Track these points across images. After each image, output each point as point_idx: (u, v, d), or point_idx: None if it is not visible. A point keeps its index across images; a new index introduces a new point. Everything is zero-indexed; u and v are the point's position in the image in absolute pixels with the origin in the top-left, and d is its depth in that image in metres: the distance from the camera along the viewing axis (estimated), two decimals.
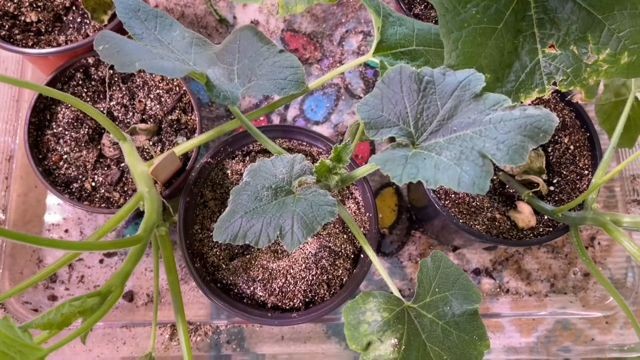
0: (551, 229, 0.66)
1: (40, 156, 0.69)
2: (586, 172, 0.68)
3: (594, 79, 0.54)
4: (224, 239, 0.50)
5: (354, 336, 0.50)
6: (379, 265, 0.54)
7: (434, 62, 0.61)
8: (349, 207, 0.67)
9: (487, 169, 0.44)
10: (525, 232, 0.66)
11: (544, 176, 0.67)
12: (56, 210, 0.82)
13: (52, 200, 0.82)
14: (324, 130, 0.88)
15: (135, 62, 0.48)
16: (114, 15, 0.71)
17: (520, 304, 0.81)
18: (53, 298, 0.79)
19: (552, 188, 0.68)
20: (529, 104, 0.63)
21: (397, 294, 0.53)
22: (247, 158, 0.69)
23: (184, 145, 0.61)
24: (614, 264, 0.84)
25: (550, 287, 0.82)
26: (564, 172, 0.68)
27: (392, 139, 0.50)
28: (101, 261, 0.80)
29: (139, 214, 0.83)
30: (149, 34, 0.59)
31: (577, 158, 0.68)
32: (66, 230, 0.81)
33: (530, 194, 0.65)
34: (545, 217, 0.66)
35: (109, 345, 0.75)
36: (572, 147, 0.68)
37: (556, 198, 0.68)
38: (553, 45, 0.55)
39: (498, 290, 0.82)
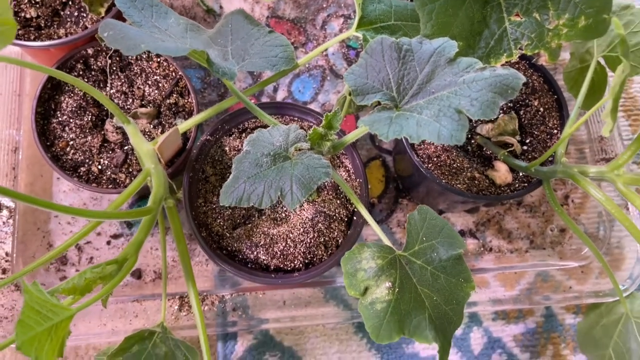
0: (526, 184, 0.72)
1: (48, 144, 0.73)
2: (555, 131, 0.74)
3: (556, 42, 0.60)
4: (230, 202, 0.56)
5: (352, 283, 0.56)
6: (371, 221, 0.60)
7: (411, 35, 0.66)
8: (340, 174, 0.73)
9: (463, 123, 0.50)
10: (502, 188, 0.71)
11: (517, 137, 0.73)
12: (62, 197, 0.86)
13: (58, 188, 0.86)
14: (313, 108, 0.93)
15: (140, 45, 0.53)
16: (109, 8, 0.75)
17: (503, 261, 0.88)
18: (64, 279, 0.83)
19: (525, 147, 0.74)
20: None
21: (388, 244, 0.58)
22: (244, 135, 0.74)
23: (185, 123, 0.66)
24: (587, 220, 0.91)
25: (530, 243, 0.89)
26: (535, 133, 0.74)
27: (377, 103, 0.55)
28: (108, 242, 0.85)
29: (141, 197, 0.88)
30: (147, 21, 0.63)
31: (547, 119, 0.74)
32: (72, 217, 0.86)
33: (506, 153, 0.71)
34: (520, 174, 0.72)
35: (122, 320, 0.80)
36: (541, 109, 0.75)
37: (529, 156, 0.74)
38: (518, 13, 0.61)
39: (482, 249, 0.88)
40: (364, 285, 0.55)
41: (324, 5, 0.99)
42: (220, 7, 0.97)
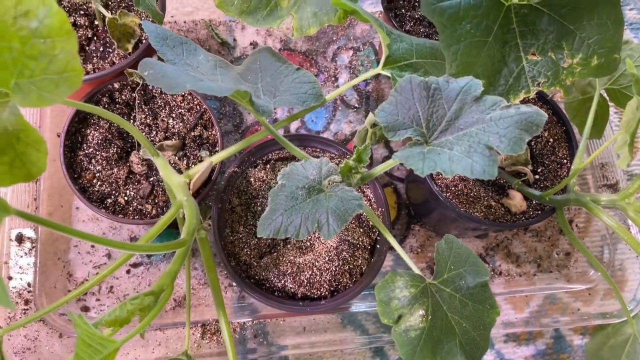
0: (539, 211, 0.75)
1: (75, 176, 0.75)
2: (565, 161, 0.78)
3: (570, 80, 0.64)
4: (268, 234, 0.58)
5: (385, 311, 0.58)
6: (400, 251, 0.62)
7: (432, 72, 0.70)
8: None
9: (494, 158, 0.53)
10: (517, 216, 0.75)
11: (530, 166, 0.77)
12: (82, 227, 0.87)
13: (77, 218, 0.87)
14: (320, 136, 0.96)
15: (185, 84, 0.55)
16: (136, 44, 0.78)
17: (513, 284, 0.91)
18: (85, 309, 0.84)
19: (537, 176, 0.78)
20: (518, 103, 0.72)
21: (418, 272, 0.61)
22: (267, 166, 0.77)
23: (217, 156, 0.68)
24: (590, 243, 0.95)
25: (537, 267, 0.92)
26: (546, 162, 0.78)
27: (407, 139, 0.58)
28: (128, 271, 0.86)
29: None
30: (180, 59, 0.66)
31: (557, 149, 0.78)
32: (92, 246, 0.87)
33: (520, 182, 0.75)
34: (534, 202, 0.76)
35: (144, 349, 0.81)
36: (551, 140, 0.78)
37: (541, 185, 0.77)
38: (534, 53, 0.64)
39: (492, 273, 0.91)
40: (398, 313, 0.58)
41: (334, 38, 1.03)
42: (234, 39, 1.00)
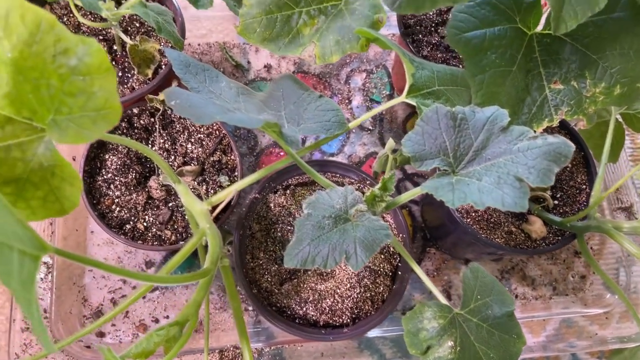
0: (559, 237, 0.75)
1: (94, 202, 0.74)
2: (584, 186, 0.78)
3: (593, 108, 0.65)
4: (295, 264, 0.57)
5: (413, 342, 0.58)
6: (427, 280, 0.62)
7: (453, 98, 0.70)
8: None
9: (525, 190, 0.53)
10: (538, 242, 0.75)
11: (549, 192, 0.77)
12: (96, 250, 0.87)
13: (92, 241, 0.87)
14: (339, 160, 0.96)
15: (214, 115, 0.55)
16: (156, 70, 0.78)
17: (529, 308, 0.91)
18: (101, 334, 0.83)
19: (556, 202, 0.78)
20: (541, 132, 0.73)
21: (445, 302, 0.61)
22: (287, 191, 0.76)
23: (242, 182, 0.67)
24: (605, 266, 0.95)
25: (553, 290, 0.92)
26: (565, 188, 0.78)
27: (434, 169, 0.58)
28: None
29: (173, 252, 0.89)
30: (203, 87, 0.66)
31: (575, 175, 0.79)
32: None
33: (540, 208, 0.75)
34: (554, 227, 0.76)
35: None
36: (570, 165, 0.79)
37: (560, 210, 0.77)
38: (557, 81, 0.65)
39: None
40: (427, 344, 0.57)
41: (347, 61, 1.03)
42: (248, 62, 1.00)
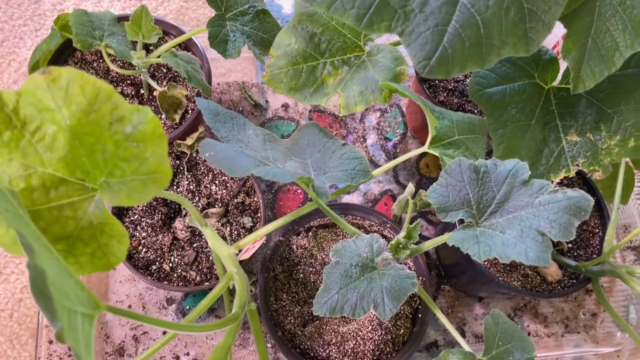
0: (574, 280, 0.77)
1: None
2: (597, 230, 0.81)
3: (608, 160, 0.67)
4: (324, 312, 0.59)
5: None
6: (449, 325, 0.64)
7: (472, 147, 0.72)
8: None
9: (547, 245, 0.55)
10: (553, 285, 0.77)
11: None
12: (118, 287, 0.88)
13: (114, 278, 0.88)
14: (355, 198, 0.99)
15: (249, 169, 0.57)
16: (183, 115, 0.80)
17: (541, 345, 0.92)
18: None
19: (570, 245, 0.80)
20: (558, 183, 0.75)
21: (468, 349, 0.63)
22: (309, 233, 0.79)
23: (267, 228, 0.70)
24: (615, 303, 0.97)
25: (565, 327, 0.94)
26: (579, 231, 0.81)
27: (460, 221, 0.61)
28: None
29: (188, 293, 0.90)
30: (232, 135, 0.68)
31: (589, 219, 0.81)
32: (129, 306, 0.88)
33: (555, 251, 0.77)
34: (569, 270, 0.78)
35: None
36: None
37: (575, 253, 0.80)
38: (573, 133, 0.68)
39: None
40: None
41: None
42: (267, 101, 1.03)
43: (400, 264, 0.63)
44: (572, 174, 0.67)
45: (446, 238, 0.61)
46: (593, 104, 0.67)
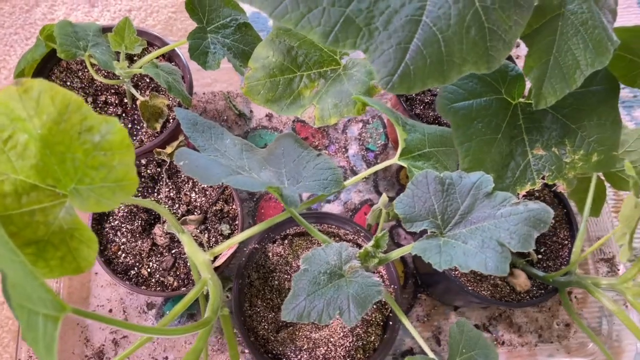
0: (543, 291, 0.79)
1: (101, 248, 0.78)
2: (566, 241, 0.83)
3: (572, 174, 0.69)
4: (291, 318, 0.61)
5: None
6: (414, 332, 0.66)
7: (442, 159, 0.75)
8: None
9: (506, 255, 0.57)
10: (522, 294, 0.79)
11: (533, 246, 0.81)
12: (100, 291, 0.90)
13: (96, 283, 0.90)
14: (335, 207, 1.01)
15: (220, 178, 0.59)
16: (164, 124, 0.82)
17: (515, 354, 0.94)
18: None
19: (540, 256, 0.82)
20: (524, 195, 0.77)
21: (432, 355, 0.64)
22: (285, 241, 0.80)
23: (242, 235, 0.71)
24: (589, 314, 0.98)
25: (539, 337, 0.96)
26: (549, 243, 0.83)
27: (424, 231, 0.63)
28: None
29: (167, 299, 0.92)
30: (209, 144, 0.70)
31: (558, 230, 0.83)
32: (110, 310, 0.89)
33: (524, 262, 0.79)
34: (537, 281, 0.80)
35: None
36: (553, 221, 0.83)
37: (544, 264, 0.82)
38: (539, 147, 0.70)
39: (495, 342, 0.94)
40: None
41: None
42: (251, 111, 1.05)
43: (371, 272, 0.65)
44: (537, 186, 0.69)
45: (410, 248, 0.63)
46: (558, 120, 0.69)
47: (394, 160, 0.71)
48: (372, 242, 0.66)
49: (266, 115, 1.05)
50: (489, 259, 0.56)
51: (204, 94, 1.05)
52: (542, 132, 0.70)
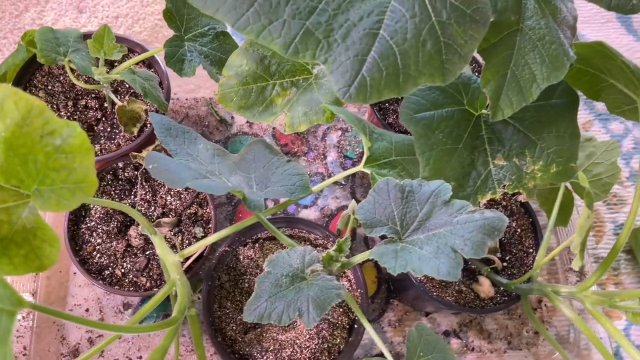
0: (506, 298, 0.81)
1: (77, 248, 0.80)
2: (531, 250, 0.84)
3: (532, 184, 0.71)
4: (252, 318, 0.63)
5: None
6: (375, 337, 0.68)
7: (409, 168, 0.77)
8: (343, 284, 0.81)
9: (458, 261, 0.59)
10: (486, 301, 0.81)
11: (498, 254, 0.83)
12: (78, 291, 0.92)
13: (74, 282, 0.92)
14: (312, 213, 1.03)
15: (186, 182, 0.61)
16: (141, 128, 0.85)
17: None
18: None
19: (505, 264, 0.84)
20: (485, 204, 0.79)
21: (390, 358, 0.66)
22: (257, 245, 0.82)
23: (211, 238, 0.74)
24: (558, 322, 1.00)
25: (508, 344, 0.97)
26: (514, 251, 0.85)
27: (383, 236, 0.65)
28: (119, 337, 0.90)
29: (145, 298, 0.94)
30: (182, 149, 0.72)
31: (523, 239, 0.85)
32: (87, 310, 0.91)
33: (489, 269, 0.81)
34: (502, 288, 0.82)
35: None
36: (519, 230, 0.85)
37: (509, 272, 0.83)
38: (501, 158, 0.72)
39: (465, 348, 0.96)
40: None
41: None
42: (232, 117, 1.08)
43: (336, 276, 0.67)
44: (498, 195, 0.71)
45: (367, 255, 0.65)
46: (519, 131, 0.71)
47: (359, 168, 0.73)
48: (334, 247, 0.68)
49: (247, 122, 1.08)
50: (441, 264, 0.58)
51: (186, 99, 1.08)
52: (503, 142, 0.72)
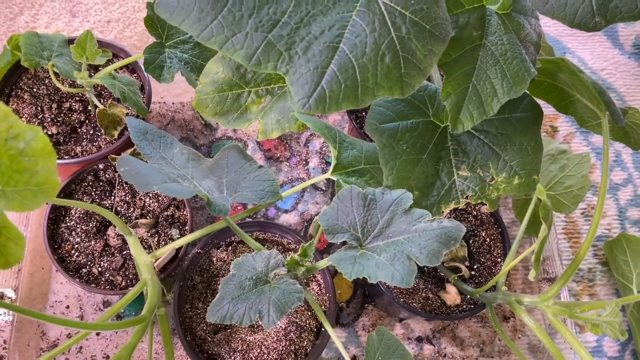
0: (472, 306, 0.83)
1: (55, 246, 0.83)
2: (499, 259, 0.86)
3: (495, 195, 0.73)
4: (215, 319, 0.65)
5: None
6: (336, 340, 0.70)
7: (378, 176, 0.79)
8: (313, 288, 0.83)
9: (412, 269, 0.61)
10: (452, 308, 0.82)
11: (467, 263, 0.85)
12: (59, 288, 0.95)
13: (56, 279, 0.95)
14: (292, 217, 1.05)
15: (153, 185, 0.64)
16: (122, 131, 0.87)
17: None
18: None
19: (473, 273, 0.85)
20: (448, 214, 0.81)
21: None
22: (230, 248, 0.85)
23: (183, 239, 0.76)
24: (530, 331, 1.01)
25: (480, 351, 0.99)
26: (482, 260, 0.86)
27: (344, 242, 0.67)
28: (98, 333, 0.93)
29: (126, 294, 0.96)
30: (156, 153, 0.75)
31: (492, 249, 0.87)
32: (67, 307, 0.94)
33: (456, 277, 0.82)
34: (468, 297, 0.83)
35: None
36: (488, 239, 0.87)
37: (476, 281, 0.85)
38: (465, 169, 0.73)
39: (437, 355, 0.98)
40: None
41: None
42: (217, 122, 1.10)
43: (302, 280, 0.69)
44: (461, 205, 0.73)
45: (327, 262, 0.67)
46: (484, 143, 0.73)
47: (326, 175, 0.75)
48: (299, 251, 0.70)
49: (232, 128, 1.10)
50: (396, 271, 0.60)
51: (173, 103, 1.10)
52: (468, 154, 0.73)
